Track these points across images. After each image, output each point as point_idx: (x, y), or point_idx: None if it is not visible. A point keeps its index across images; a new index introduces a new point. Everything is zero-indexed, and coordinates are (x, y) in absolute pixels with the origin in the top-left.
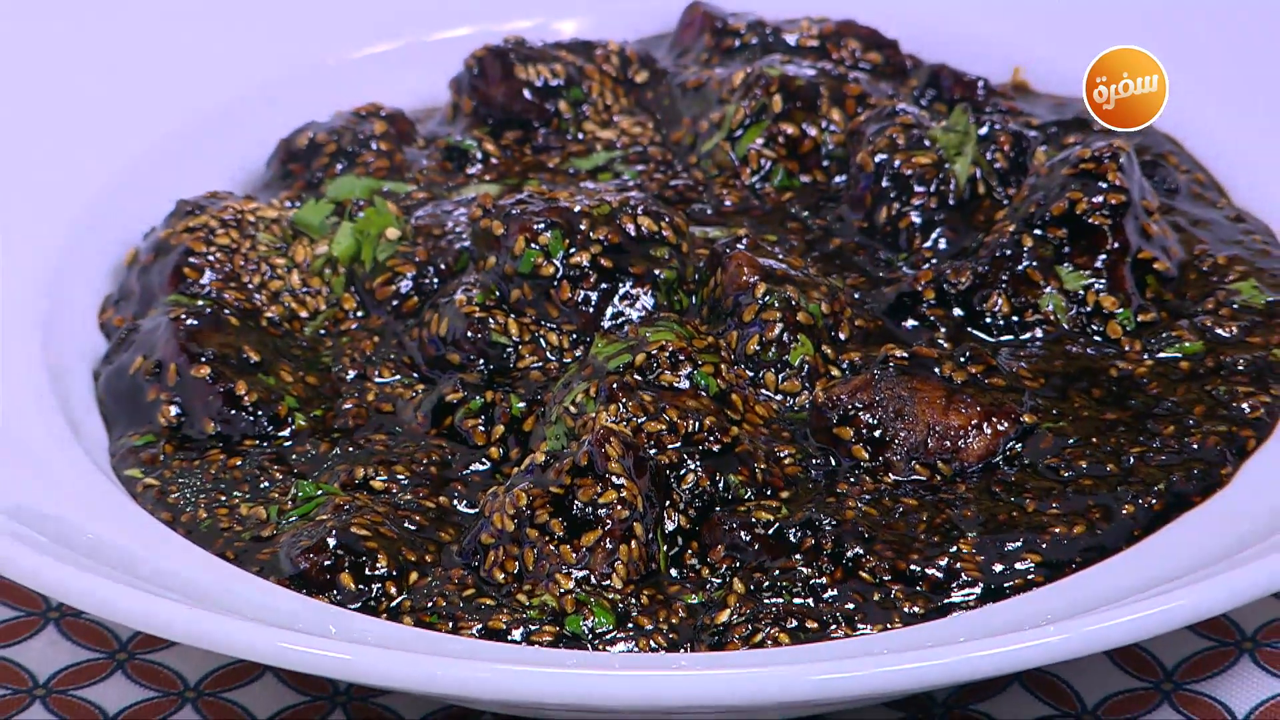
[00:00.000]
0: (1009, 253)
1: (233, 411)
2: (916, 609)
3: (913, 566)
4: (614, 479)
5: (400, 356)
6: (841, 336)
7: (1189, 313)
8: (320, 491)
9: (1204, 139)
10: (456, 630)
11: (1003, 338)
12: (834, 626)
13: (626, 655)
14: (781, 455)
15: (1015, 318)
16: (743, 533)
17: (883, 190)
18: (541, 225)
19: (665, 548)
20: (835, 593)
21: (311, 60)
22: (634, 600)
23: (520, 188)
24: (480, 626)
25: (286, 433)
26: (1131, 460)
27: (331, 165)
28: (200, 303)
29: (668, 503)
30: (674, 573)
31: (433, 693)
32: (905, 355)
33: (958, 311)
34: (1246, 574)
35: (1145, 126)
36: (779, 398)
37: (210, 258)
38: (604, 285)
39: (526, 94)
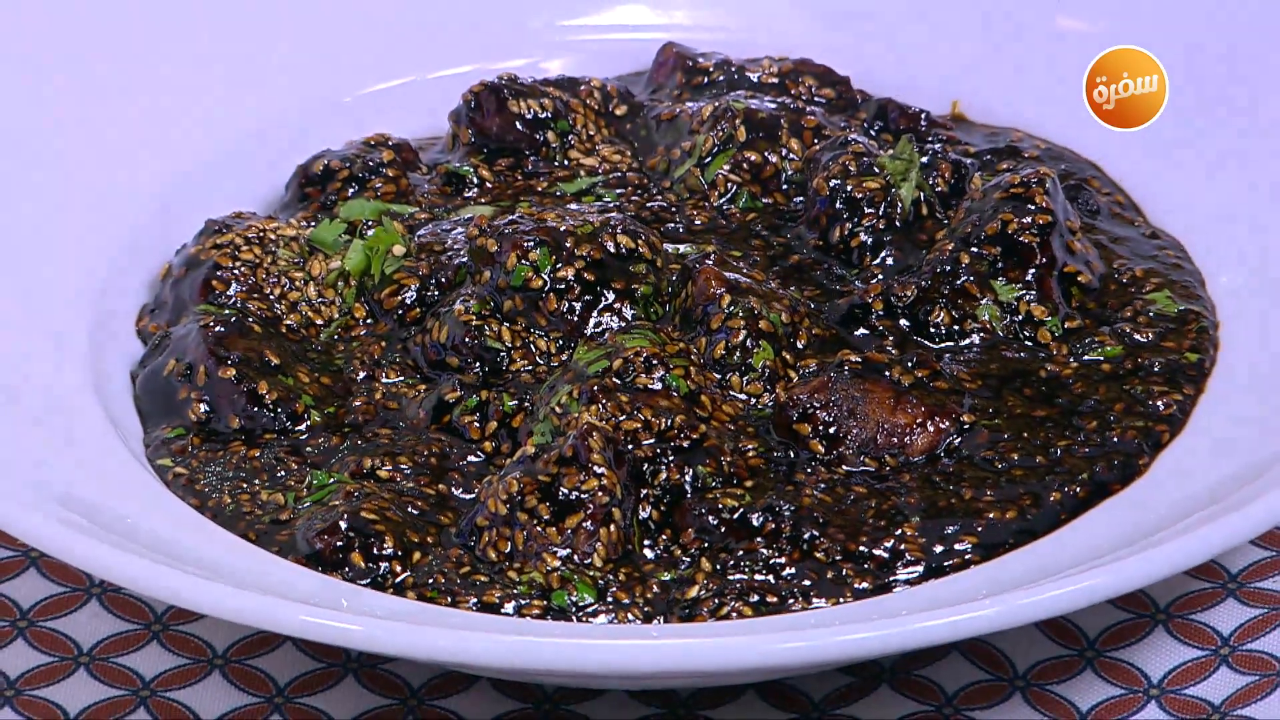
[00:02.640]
0: (949, 268)
1: (255, 408)
2: (865, 585)
3: (862, 548)
4: (596, 468)
5: (405, 360)
6: (800, 344)
7: (1110, 320)
8: (332, 480)
9: (1123, 163)
10: (455, 604)
11: (944, 344)
12: (792, 600)
13: (607, 626)
14: (746, 449)
15: (955, 326)
16: (710, 517)
17: (836, 212)
18: (531, 243)
19: (639, 533)
20: (793, 571)
21: (327, 96)
22: (613, 577)
23: (512, 209)
24: (476, 600)
25: (303, 427)
26: (1059, 452)
27: (344, 189)
28: (227, 312)
29: (643, 494)
30: (649, 553)
31: (434, 660)
32: (859, 360)
33: (904, 322)
34: (1160, 553)
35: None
36: (744, 398)
37: (236, 271)
38: (587, 297)
39: (518, 125)
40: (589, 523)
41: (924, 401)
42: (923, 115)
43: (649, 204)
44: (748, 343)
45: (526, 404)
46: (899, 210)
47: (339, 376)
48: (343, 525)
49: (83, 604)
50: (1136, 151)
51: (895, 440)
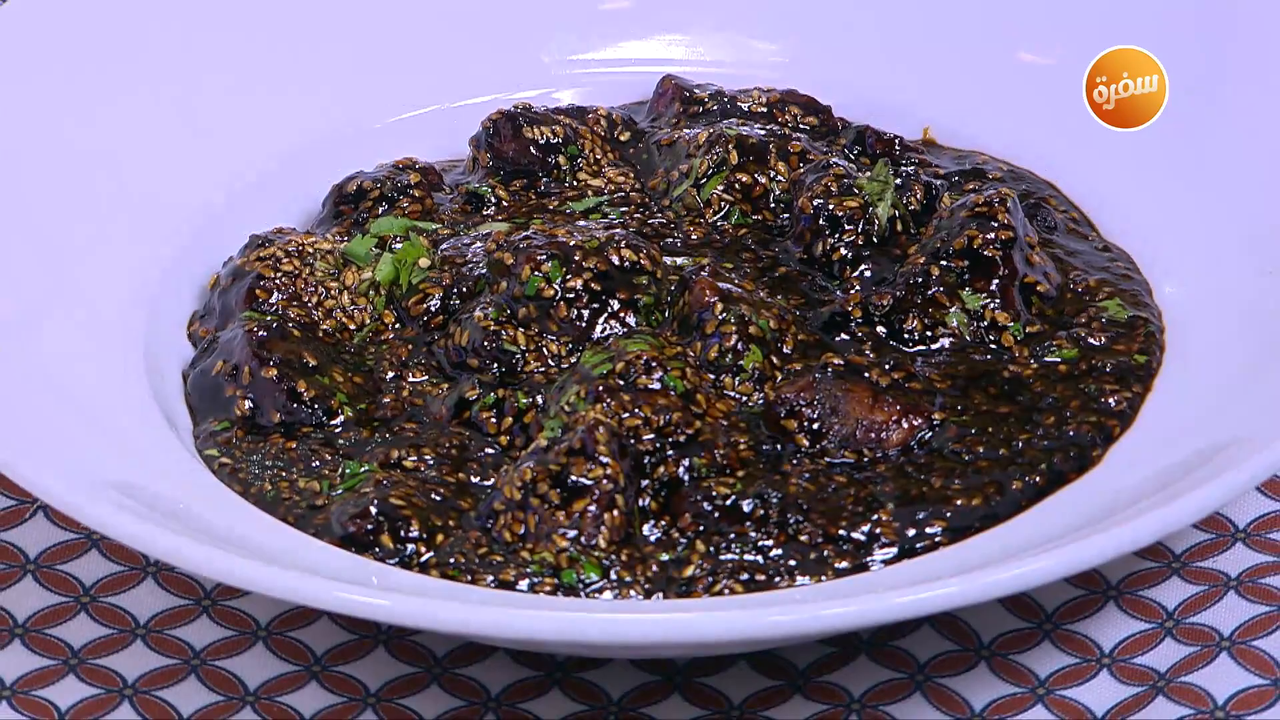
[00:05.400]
0: (921, 280)
1: (294, 405)
2: (845, 565)
3: (841, 531)
4: (601, 459)
5: (429, 361)
6: (787, 348)
7: (1066, 325)
8: (363, 469)
9: (1077, 182)
10: (474, 581)
11: (917, 348)
12: (778, 579)
13: (611, 602)
14: (737, 442)
15: (927, 332)
16: (705, 504)
17: (819, 228)
18: (543, 256)
19: (640, 518)
20: (779, 552)
21: (359, 123)
22: (616, 558)
23: (526, 226)
24: (493, 578)
25: (337, 422)
26: (1020, 445)
27: (375, 207)
28: (269, 318)
29: (643, 484)
30: (649, 536)
31: (456, 632)
32: (840, 362)
33: (880, 328)
34: (1112, 536)
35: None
36: (736, 396)
37: (277, 281)
38: (594, 305)
39: (532, 150)
40: (594, 507)
41: (899, 400)
42: (897, 140)
43: (650, 221)
44: (739, 346)
45: (539, 401)
46: (875, 227)
47: (370, 376)
48: (373, 510)
49: (139, 581)
50: (1090, 172)
51: (873, 435)
